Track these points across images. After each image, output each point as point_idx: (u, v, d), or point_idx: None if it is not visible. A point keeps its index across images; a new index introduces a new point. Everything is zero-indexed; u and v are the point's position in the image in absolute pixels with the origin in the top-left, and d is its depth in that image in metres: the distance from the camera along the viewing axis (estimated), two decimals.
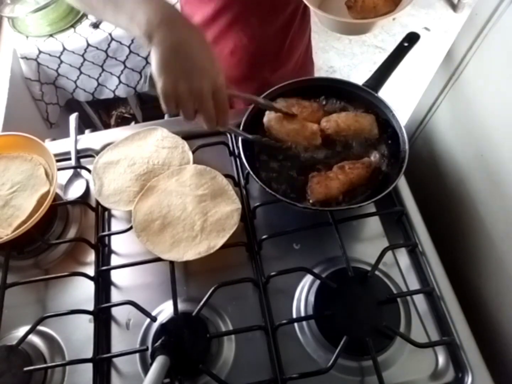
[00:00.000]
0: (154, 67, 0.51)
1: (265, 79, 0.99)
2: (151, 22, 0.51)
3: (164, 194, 0.71)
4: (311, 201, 0.70)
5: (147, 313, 0.63)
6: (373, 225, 0.75)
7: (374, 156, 0.75)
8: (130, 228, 0.70)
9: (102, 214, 0.77)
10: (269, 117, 0.76)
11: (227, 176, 0.76)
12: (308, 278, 0.69)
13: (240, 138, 0.73)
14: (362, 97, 0.79)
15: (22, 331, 0.63)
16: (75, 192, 0.80)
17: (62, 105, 1.57)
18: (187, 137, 0.84)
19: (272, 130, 0.76)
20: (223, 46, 0.92)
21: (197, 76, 0.52)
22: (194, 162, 0.77)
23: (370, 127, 0.77)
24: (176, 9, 0.55)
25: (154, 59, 0.51)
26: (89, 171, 0.80)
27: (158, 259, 0.67)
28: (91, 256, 0.72)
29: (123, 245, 0.75)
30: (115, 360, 0.64)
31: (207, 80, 0.53)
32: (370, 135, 0.77)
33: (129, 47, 1.41)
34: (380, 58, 0.79)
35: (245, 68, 0.96)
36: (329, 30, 0.77)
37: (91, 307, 0.65)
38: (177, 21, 0.53)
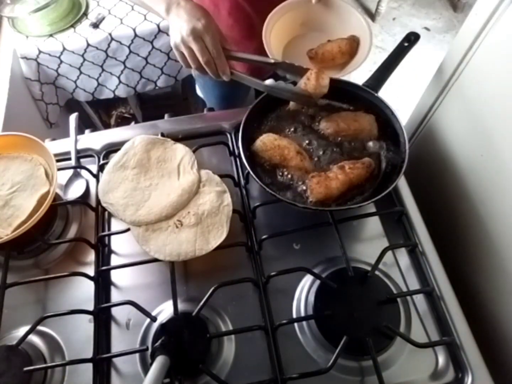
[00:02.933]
0: (172, 26, 0.74)
1: (260, 39, 1.01)
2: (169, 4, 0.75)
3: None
4: (311, 201, 0.70)
5: (147, 313, 0.63)
6: (373, 225, 0.75)
7: (374, 156, 0.75)
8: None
9: (102, 214, 0.77)
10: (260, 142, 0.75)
11: (227, 176, 0.76)
12: (308, 278, 0.69)
13: (240, 138, 0.73)
14: (362, 97, 0.79)
15: (22, 331, 0.63)
16: (75, 192, 0.80)
17: (62, 105, 1.57)
18: (187, 137, 0.84)
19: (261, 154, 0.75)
20: (221, 7, 0.94)
21: (200, 21, 0.71)
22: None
23: (370, 127, 0.77)
24: None
25: (170, 25, 0.75)
26: (89, 171, 0.80)
27: (158, 259, 0.67)
28: (91, 256, 0.72)
29: (123, 245, 0.75)
30: (115, 360, 0.64)
31: (202, 29, 0.70)
32: (370, 135, 0.77)
33: (129, 47, 1.41)
34: (380, 58, 0.79)
35: (242, 28, 0.98)
36: None
37: (91, 307, 0.65)
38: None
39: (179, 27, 0.71)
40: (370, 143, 0.77)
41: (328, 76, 0.74)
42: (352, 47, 0.81)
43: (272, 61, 0.76)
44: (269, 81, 0.75)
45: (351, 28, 0.82)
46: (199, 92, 1.29)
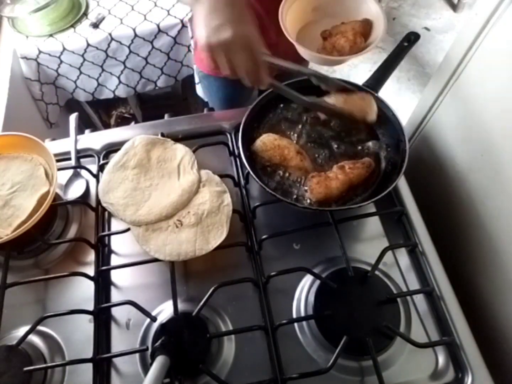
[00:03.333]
0: (196, 21, 0.60)
1: (271, 41, 1.00)
2: None
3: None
4: (311, 201, 0.70)
5: (147, 313, 0.63)
6: (373, 225, 0.75)
7: (374, 145, 0.75)
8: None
9: (102, 214, 0.77)
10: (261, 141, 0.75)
11: (227, 176, 0.76)
12: (308, 278, 0.69)
13: (240, 138, 0.73)
14: None
15: (22, 331, 0.63)
16: (75, 192, 0.80)
17: (62, 105, 1.57)
18: (187, 137, 0.84)
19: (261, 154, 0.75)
20: None
21: (230, 29, 0.58)
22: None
23: (369, 110, 0.74)
24: None
25: (197, 15, 0.60)
26: (89, 171, 0.80)
27: (158, 259, 0.67)
28: (91, 256, 0.72)
29: (123, 245, 0.75)
30: (115, 360, 0.64)
31: (239, 32, 0.58)
32: (368, 118, 0.74)
33: (129, 47, 1.41)
34: (380, 58, 0.79)
35: None
36: (305, 58, 0.81)
37: (91, 307, 0.65)
38: None
39: (218, 25, 0.57)
40: (370, 144, 0.77)
41: (375, 103, 0.73)
42: (365, 29, 0.80)
43: (308, 71, 0.72)
44: (310, 98, 0.70)
45: (364, 12, 0.82)
46: (199, 92, 1.29)
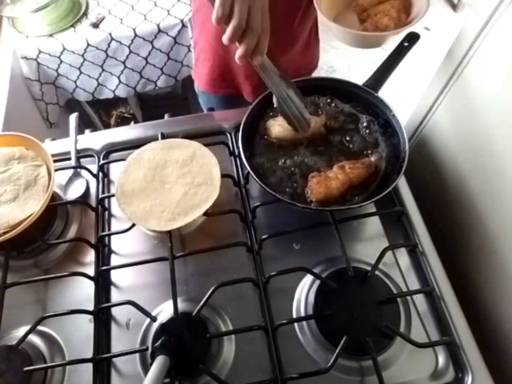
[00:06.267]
0: None
1: (273, 61, 0.99)
2: None
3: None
4: (311, 201, 0.70)
5: (147, 313, 0.63)
6: (373, 225, 0.75)
7: (374, 156, 0.75)
8: (130, 228, 0.70)
9: (102, 214, 0.77)
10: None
11: (227, 176, 0.76)
12: (308, 278, 0.69)
13: (240, 138, 0.73)
14: (362, 97, 0.79)
15: (22, 331, 0.63)
16: (75, 192, 0.80)
17: (62, 105, 1.57)
18: (187, 137, 0.84)
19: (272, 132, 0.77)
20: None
21: None
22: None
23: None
24: None
25: None
26: (89, 171, 0.80)
27: (158, 259, 0.67)
28: (91, 256, 0.72)
29: (123, 245, 0.75)
30: (115, 360, 0.64)
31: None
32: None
33: (129, 47, 1.41)
34: (380, 58, 0.79)
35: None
36: (343, 43, 0.79)
37: (91, 307, 0.65)
38: None
39: None
40: (370, 144, 0.77)
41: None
42: (405, 6, 0.76)
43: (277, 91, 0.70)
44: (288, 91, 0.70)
45: None
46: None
